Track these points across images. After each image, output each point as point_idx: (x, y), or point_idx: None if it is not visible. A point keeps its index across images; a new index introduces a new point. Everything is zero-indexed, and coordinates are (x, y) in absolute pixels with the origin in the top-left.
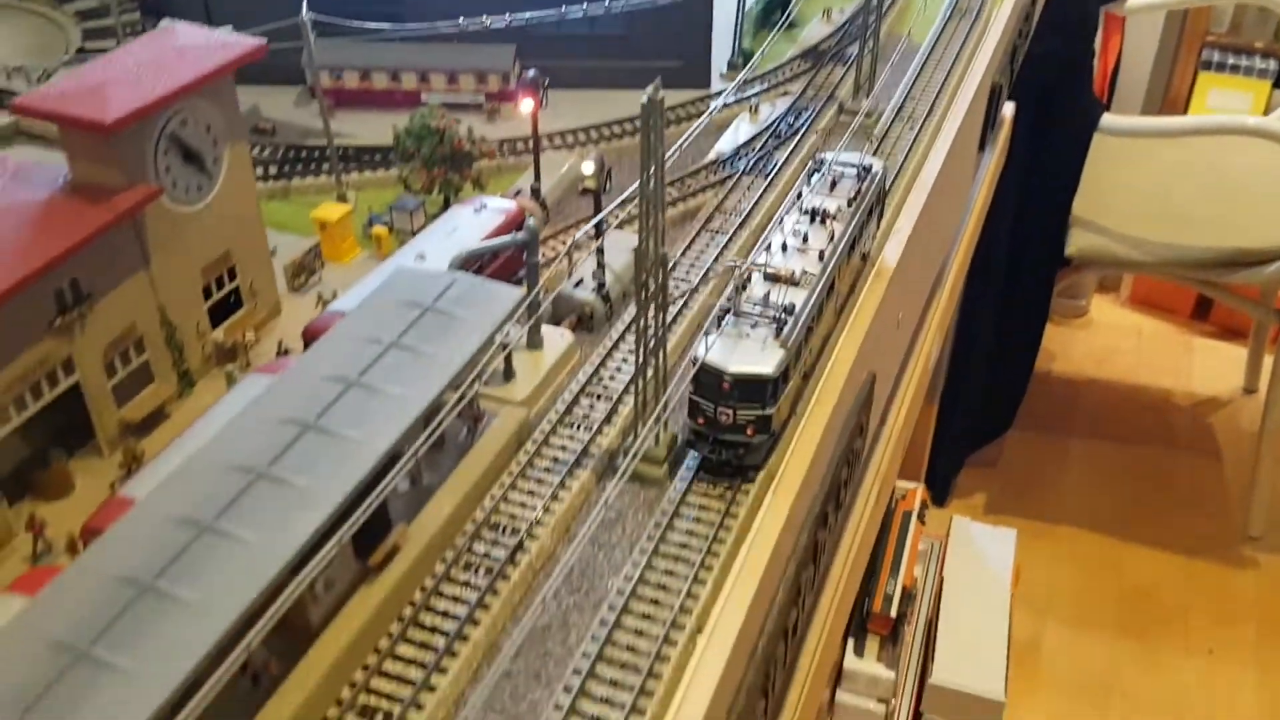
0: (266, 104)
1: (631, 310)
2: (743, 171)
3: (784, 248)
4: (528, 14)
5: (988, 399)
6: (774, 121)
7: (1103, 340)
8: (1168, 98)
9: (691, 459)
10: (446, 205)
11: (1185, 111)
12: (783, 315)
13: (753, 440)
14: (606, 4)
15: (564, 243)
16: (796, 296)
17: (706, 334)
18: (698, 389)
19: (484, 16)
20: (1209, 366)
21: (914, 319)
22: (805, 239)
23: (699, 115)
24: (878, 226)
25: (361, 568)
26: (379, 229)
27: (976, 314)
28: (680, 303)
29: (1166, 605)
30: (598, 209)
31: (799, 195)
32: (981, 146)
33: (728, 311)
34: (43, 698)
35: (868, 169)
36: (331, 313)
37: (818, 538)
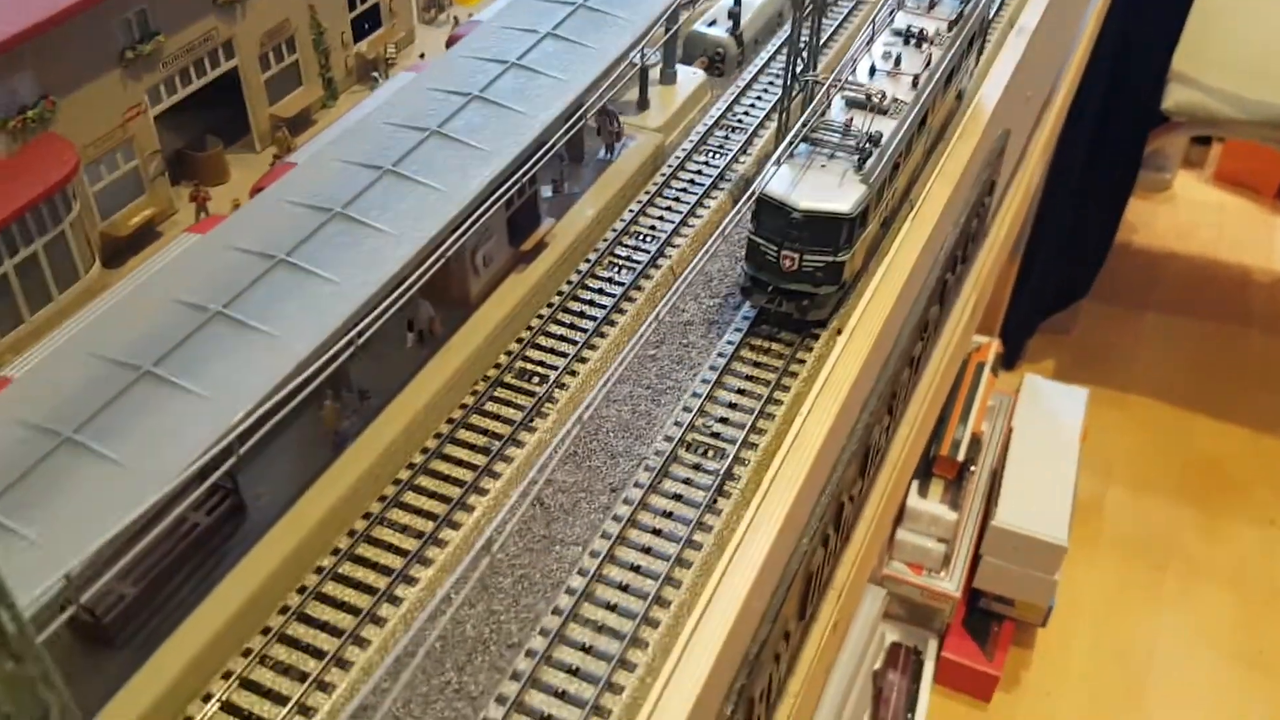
0: None
1: (763, 55)
2: None
3: (871, 71)
4: None
5: (1068, 261)
6: None
7: (1185, 215)
8: None
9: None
10: None
11: None
12: (867, 145)
13: (819, 292)
14: None
15: None
16: (884, 126)
17: (775, 161)
18: (759, 228)
19: None
20: None
21: (1039, 101)
22: (898, 62)
23: None
24: (976, 63)
25: (514, 253)
26: None
27: (1067, 171)
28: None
29: (1232, 476)
30: None
31: (891, 13)
32: None
33: (800, 138)
34: (245, 293)
35: None
36: (474, 21)
37: (946, 279)
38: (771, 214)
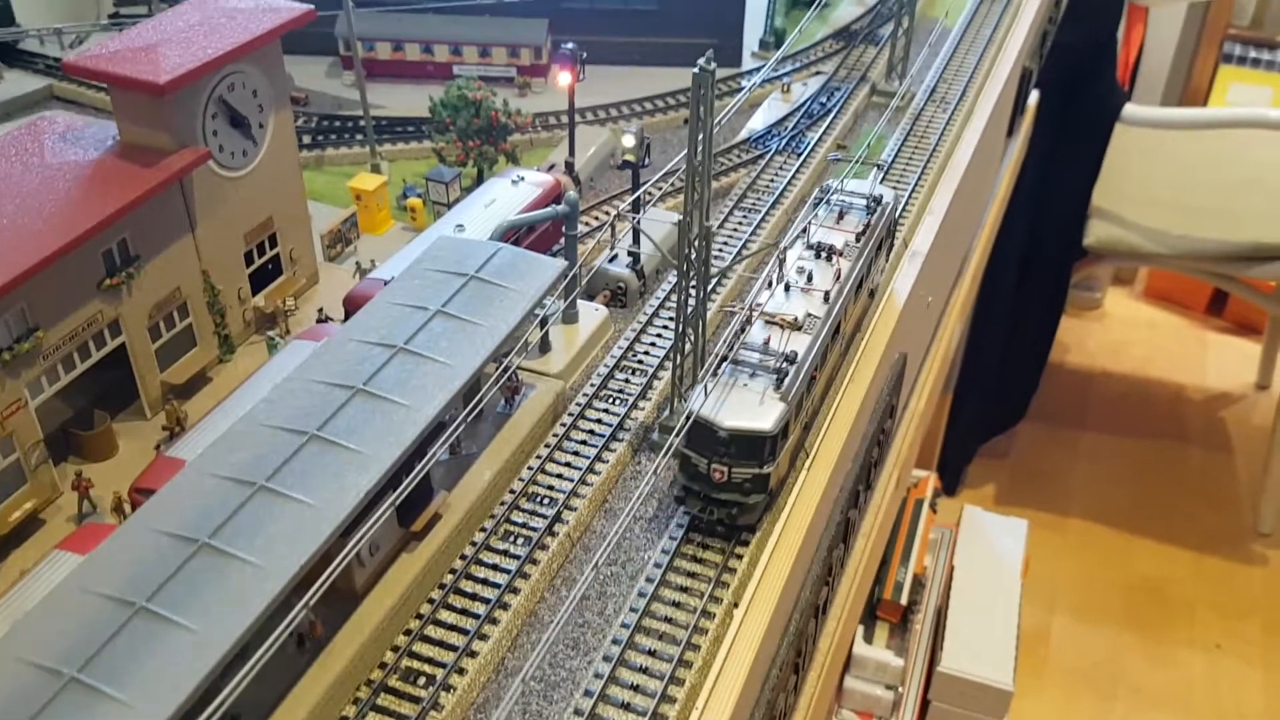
0: (299, 74)
1: (664, 286)
2: (775, 150)
3: (787, 288)
4: None
5: (1002, 390)
6: (806, 101)
7: (1117, 333)
8: (1188, 89)
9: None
10: (480, 178)
11: (1205, 103)
12: (784, 365)
13: (748, 501)
14: None
15: (597, 218)
16: (799, 343)
17: (702, 382)
18: (690, 442)
19: None
20: (1223, 361)
21: (941, 302)
22: (810, 278)
23: (731, 93)
24: (887, 259)
25: (404, 533)
26: (414, 200)
27: (993, 304)
28: (716, 279)
29: (1174, 599)
30: (636, 183)
31: (804, 229)
32: (1010, 131)
33: (725, 359)
34: (104, 650)
35: (878, 200)
36: (373, 280)
37: (849, 516)
38: (701, 431)
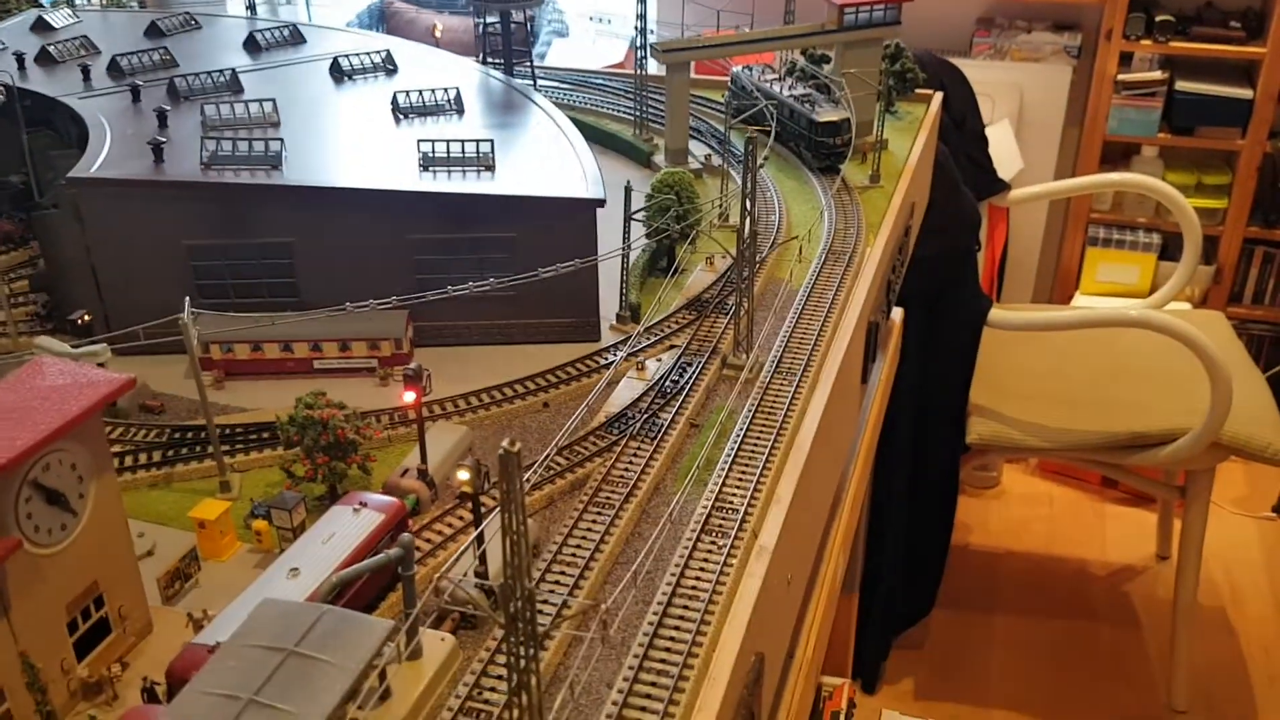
0: (156, 376)
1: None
2: (629, 435)
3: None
4: (415, 296)
5: (907, 584)
6: (659, 379)
7: (1017, 510)
8: (1059, 274)
9: None
10: (331, 491)
11: (1077, 285)
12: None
13: (841, 150)
14: (491, 281)
15: (450, 525)
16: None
17: (819, 106)
18: (815, 132)
19: (370, 301)
20: (1121, 534)
21: (806, 571)
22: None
23: (589, 371)
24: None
25: None
26: (259, 523)
27: (887, 505)
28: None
29: None
30: (477, 514)
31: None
32: (864, 379)
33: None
34: None
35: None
36: (196, 645)
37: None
38: (819, 125)
